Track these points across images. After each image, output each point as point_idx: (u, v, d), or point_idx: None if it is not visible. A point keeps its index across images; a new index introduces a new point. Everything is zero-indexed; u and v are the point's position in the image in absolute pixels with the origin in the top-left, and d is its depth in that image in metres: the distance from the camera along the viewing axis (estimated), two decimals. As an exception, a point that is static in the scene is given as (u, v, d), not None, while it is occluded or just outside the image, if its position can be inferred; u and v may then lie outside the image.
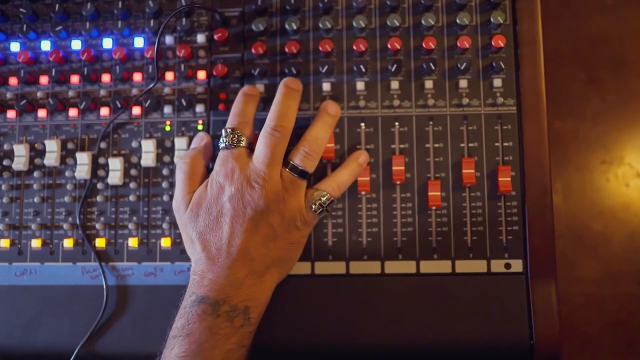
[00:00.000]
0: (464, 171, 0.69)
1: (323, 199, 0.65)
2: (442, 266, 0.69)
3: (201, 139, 0.69)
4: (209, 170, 0.69)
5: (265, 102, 0.72)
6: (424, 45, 0.70)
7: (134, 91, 0.73)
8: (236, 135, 0.65)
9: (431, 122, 0.71)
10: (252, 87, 0.69)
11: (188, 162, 0.67)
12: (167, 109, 0.72)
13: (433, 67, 0.70)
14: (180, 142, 0.71)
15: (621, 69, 0.86)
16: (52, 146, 0.72)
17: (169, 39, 0.73)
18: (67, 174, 0.72)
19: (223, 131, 0.65)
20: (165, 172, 0.71)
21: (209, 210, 0.64)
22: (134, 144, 0.72)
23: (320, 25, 0.71)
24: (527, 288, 0.68)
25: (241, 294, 0.62)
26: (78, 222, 0.71)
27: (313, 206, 0.65)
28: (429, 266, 0.69)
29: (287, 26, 0.71)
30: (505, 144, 0.70)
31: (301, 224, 0.65)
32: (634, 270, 0.83)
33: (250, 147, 0.66)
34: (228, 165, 0.64)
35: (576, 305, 0.83)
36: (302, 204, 0.65)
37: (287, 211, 0.63)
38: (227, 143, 0.65)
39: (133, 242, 0.71)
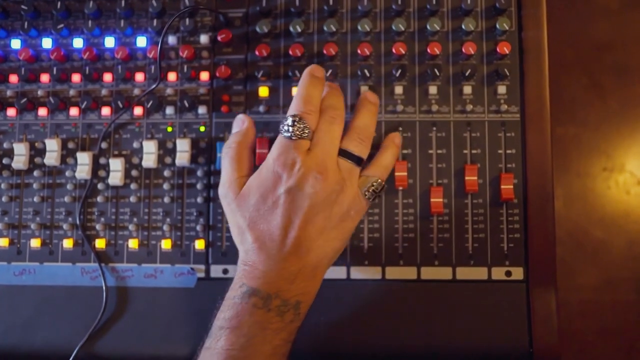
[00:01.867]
0: (466, 178, 0.69)
1: (375, 184, 0.64)
2: (442, 273, 0.69)
3: (242, 122, 0.67)
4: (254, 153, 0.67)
5: (271, 104, 0.71)
6: (428, 50, 0.70)
7: (136, 91, 0.72)
8: (302, 126, 0.62)
9: (434, 128, 0.70)
10: (318, 67, 0.66)
11: (234, 147, 0.65)
12: (169, 110, 0.72)
13: (437, 73, 0.70)
14: (182, 144, 0.70)
15: (624, 74, 0.86)
16: (52, 145, 0.71)
17: (172, 39, 0.73)
18: (67, 173, 0.72)
19: (289, 118, 0.62)
20: (166, 173, 0.71)
21: (264, 199, 0.61)
22: (135, 145, 0.72)
23: (325, 28, 0.71)
24: (527, 296, 0.68)
25: (294, 288, 0.60)
26: (78, 222, 0.71)
27: (366, 193, 0.64)
28: (430, 272, 0.69)
29: (291, 28, 0.71)
30: (509, 151, 0.70)
31: (354, 213, 0.63)
32: (633, 277, 0.83)
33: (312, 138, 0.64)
34: (289, 156, 0.61)
35: (575, 312, 0.83)
36: (357, 192, 0.63)
37: (344, 201, 0.62)
38: (292, 133, 0.62)
39: (133, 244, 0.71)
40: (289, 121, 0.62)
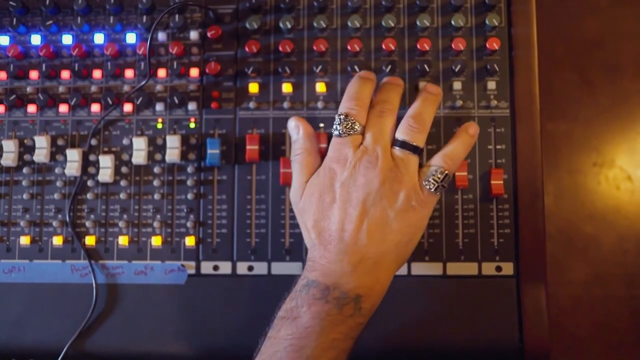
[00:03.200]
0: (456, 174, 0.69)
1: (437, 174, 0.62)
2: (433, 268, 0.69)
3: (298, 127, 0.66)
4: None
5: (261, 100, 0.71)
6: (418, 46, 0.70)
7: (126, 88, 0.72)
8: (350, 123, 0.63)
9: (425, 124, 0.70)
10: (367, 72, 0.67)
11: (302, 152, 0.65)
12: (159, 107, 0.72)
13: (427, 69, 0.70)
14: (171, 140, 0.70)
15: (614, 71, 0.87)
16: (41, 142, 0.71)
17: (161, 36, 0.72)
18: (57, 170, 0.72)
19: (337, 117, 0.63)
20: (156, 170, 0.71)
21: (322, 197, 0.62)
22: (125, 142, 0.72)
23: (315, 24, 0.71)
24: (518, 291, 0.68)
25: (353, 281, 0.60)
26: (68, 219, 0.71)
27: (427, 184, 0.62)
28: (420, 268, 0.69)
29: (281, 25, 0.71)
30: (499, 146, 0.70)
31: (417, 204, 0.62)
32: (623, 272, 0.83)
33: (364, 132, 0.64)
34: (342, 152, 0.62)
35: (565, 307, 0.83)
36: (416, 183, 0.62)
37: (401, 191, 0.61)
38: (340, 131, 0.63)
39: (123, 241, 0.70)
40: (336, 120, 0.64)
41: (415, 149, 0.63)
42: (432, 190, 0.62)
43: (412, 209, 0.62)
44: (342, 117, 0.63)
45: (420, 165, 0.64)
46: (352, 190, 0.61)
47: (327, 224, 0.62)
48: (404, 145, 0.63)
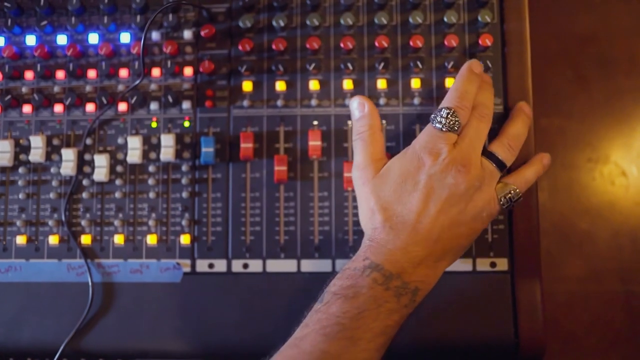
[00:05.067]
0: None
1: (513, 192, 0.64)
2: (427, 264, 0.69)
3: (363, 105, 0.66)
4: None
5: (254, 98, 0.72)
6: (411, 43, 0.70)
7: (120, 87, 0.73)
8: (454, 120, 0.62)
9: (418, 121, 0.71)
10: (478, 62, 0.67)
11: (368, 131, 0.65)
12: (154, 106, 0.72)
13: (420, 66, 0.70)
14: (166, 139, 0.71)
15: (608, 66, 0.87)
16: (37, 142, 0.71)
17: (155, 35, 0.73)
18: (52, 170, 0.72)
19: (443, 110, 0.62)
20: (151, 169, 0.71)
21: (404, 181, 0.62)
22: (120, 141, 0.72)
23: (308, 22, 0.71)
24: (512, 286, 0.68)
25: (416, 273, 0.60)
26: (63, 218, 0.71)
27: (502, 199, 0.63)
28: (415, 264, 0.69)
29: (274, 23, 0.71)
30: (492, 142, 0.70)
31: (486, 216, 0.63)
32: (618, 268, 0.83)
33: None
34: (437, 145, 0.62)
35: (561, 303, 0.83)
36: (494, 196, 0.63)
37: (480, 200, 0.62)
38: (443, 124, 0.62)
39: (119, 239, 0.71)
40: (443, 112, 0.62)
41: (502, 166, 0.64)
42: (505, 206, 0.64)
43: (481, 219, 0.63)
44: (450, 112, 0.62)
45: None
46: (437, 187, 0.61)
47: (401, 210, 0.61)
48: (496, 159, 0.64)
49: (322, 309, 0.59)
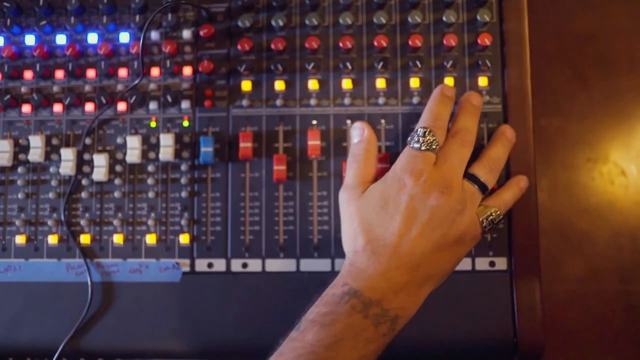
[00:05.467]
0: (449, 169, 0.69)
1: (494, 214, 0.63)
2: (427, 264, 0.69)
3: (363, 130, 0.66)
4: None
5: (254, 98, 0.72)
6: (410, 43, 0.70)
7: (119, 87, 0.73)
8: (431, 139, 0.62)
9: (417, 120, 0.70)
10: (450, 87, 0.68)
11: (363, 154, 0.65)
12: (153, 105, 0.72)
13: (419, 65, 0.70)
14: (165, 139, 0.71)
15: (607, 66, 0.87)
16: (36, 142, 0.71)
17: (154, 35, 0.73)
18: (51, 170, 0.72)
19: (420, 129, 0.63)
20: (150, 168, 0.71)
21: (385, 203, 0.61)
22: (119, 140, 0.72)
23: (307, 22, 0.71)
24: (512, 286, 0.68)
25: (397, 300, 0.59)
26: (63, 218, 0.71)
27: (484, 222, 0.63)
28: (414, 264, 0.69)
29: (273, 23, 0.71)
30: (491, 142, 0.70)
31: (469, 240, 0.63)
32: (618, 267, 0.83)
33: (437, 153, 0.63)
34: (417, 166, 0.61)
35: (560, 302, 0.83)
36: (475, 219, 0.62)
37: (462, 224, 0.61)
38: (421, 144, 0.62)
39: (118, 239, 0.71)
40: (420, 132, 0.63)
41: (484, 188, 0.64)
42: (487, 229, 0.63)
43: (464, 243, 0.62)
44: (426, 130, 0.62)
45: None
46: (419, 209, 0.60)
47: (383, 233, 0.60)
48: (478, 181, 0.63)
49: (298, 337, 0.58)
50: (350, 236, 0.62)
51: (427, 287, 0.62)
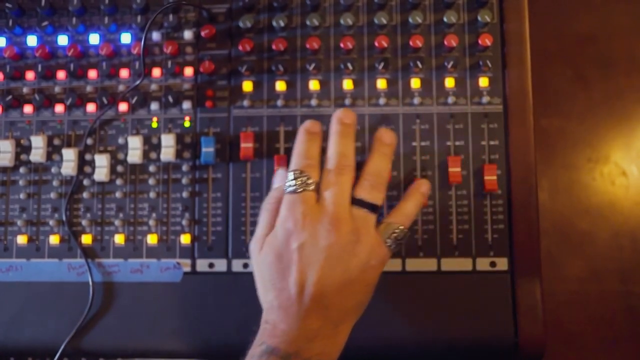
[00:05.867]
0: (450, 169, 0.69)
1: (397, 231, 0.62)
2: (427, 264, 0.69)
3: (282, 177, 0.64)
4: None
5: (255, 98, 0.72)
6: (411, 43, 0.70)
7: (121, 87, 0.73)
8: (304, 179, 0.61)
9: (418, 120, 0.71)
10: (314, 123, 0.65)
11: (272, 203, 0.63)
12: (154, 106, 0.72)
13: (420, 66, 0.70)
14: (166, 139, 0.71)
15: (608, 67, 0.87)
16: (38, 142, 0.72)
17: (155, 35, 0.73)
18: (53, 170, 0.72)
19: (290, 174, 0.62)
20: (152, 169, 0.71)
21: (279, 258, 0.60)
22: (121, 141, 0.72)
23: (308, 22, 0.71)
24: (512, 286, 0.68)
25: (314, 347, 0.58)
26: (64, 218, 0.71)
27: (388, 241, 0.62)
28: (415, 264, 0.69)
29: (274, 23, 0.71)
30: (492, 142, 0.70)
31: (376, 263, 0.61)
32: (618, 268, 0.83)
33: (318, 190, 0.62)
34: (297, 210, 0.60)
35: (561, 303, 0.83)
36: (378, 241, 0.61)
37: (362, 252, 0.60)
38: (295, 187, 0.61)
39: (119, 239, 0.71)
40: (291, 176, 0.62)
41: (374, 208, 0.62)
42: (393, 247, 0.62)
43: (371, 268, 0.61)
44: (296, 172, 0.61)
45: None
46: (311, 253, 0.59)
47: (285, 286, 0.59)
48: (365, 204, 0.61)
49: None
50: (260, 293, 0.62)
51: (345, 324, 0.60)
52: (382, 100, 0.71)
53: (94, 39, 0.73)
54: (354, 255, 0.59)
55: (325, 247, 0.59)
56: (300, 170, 0.62)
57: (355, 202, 0.61)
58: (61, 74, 0.73)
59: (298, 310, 0.58)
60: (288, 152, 0.71)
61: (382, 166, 0.64)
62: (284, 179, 0.64)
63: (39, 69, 0.73)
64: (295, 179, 0.61)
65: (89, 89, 0.73)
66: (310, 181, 0.61)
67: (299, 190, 0.61)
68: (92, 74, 0.73)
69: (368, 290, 0.62)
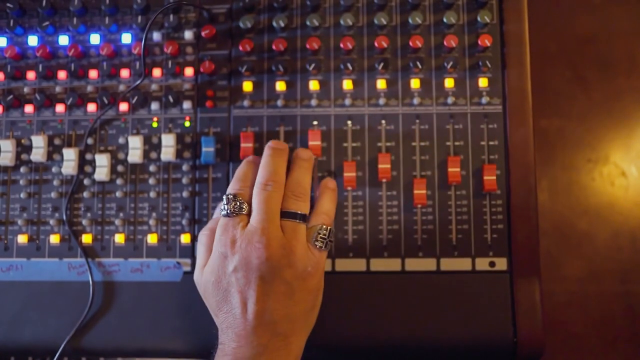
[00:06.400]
0: (449, 169, 0.69)
1: (322, 231, 0.63)
2: (427, 264, 0.69)
3: (221, 210, 0.67)
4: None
5: (255, 98, 0.72)
6: (410, 43, 0.70)
7: (121, 87, 0.73)
8: (238, 203, 0.63)
9: (417, 121, 0.71)
10: (254, 157, 0.68)
11: (207, 234, 0.65)
12: (154, 106, 0.72)
13: (420, 66, 0.70)
14: (167, 139, 0.71)
15: (607, 68, 0.87)
16: (38, 142, 0.72)
17: (156, 36, 0.73)
18: (53, 169, 0.72)
19: (224, 197, 0.63)
20: (152, 168, 0.71)
21: (218, 283, 0.62)
22: (121, 140, 0.72)
23: (308, 22, 0.71)
24: (512, 286, 0.69)
25: None
26: (64, 218, 0.71)
27: (317, 243, 0.63)
28: (414, 264, 0.69)
29: (274, 23, 0.72)
30: (491, 142, 0.70)
31: (312, 269, 0.62)
32: (617, 268, 0.84)
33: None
34: (229, 234, 0.62)
35: (560, 303, 0.83)
36: (307, 248, 0.62)
37: (298, 261, 0.61)
38: (228, 211, 0.63)
39: (119, 238, 0.71)
40: (224, 200, 0.63)
41: (303, 217, 0.63)
42: (323, 247, 0.63)
43: (310, 274, 0.62)
44: (230, 196, 0.63)
45: None
46: (247, 274, 0.60)
47: (230, 308, 0.61)
48: (291, 215, 0.63)
49: None
50: (214, 316, 0.64)
51: (296, 335, 0.62)
52: (381, 101, 0.71)
53: (94, 39, 0.73)
54: (289, 267, 0.61)
55: (258, 265, 0.60)
56: (234, 194, 0.63)
57: (284, 214, 0.63)
58: (62, 74, 0.73)
59: (245, 329, 0.60)
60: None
61: (303, 177, 0.66)
62: (219, 212, 0.66)
63: (40, 68, 0.73)
64: (227, 202, 0.63)
65: (89, 88, 0.73)
66: (244, 205, 0.63)
67: (232, 215, 0.62)
68: (93, 73, 0.73)
69: (312, 297, 0.63)
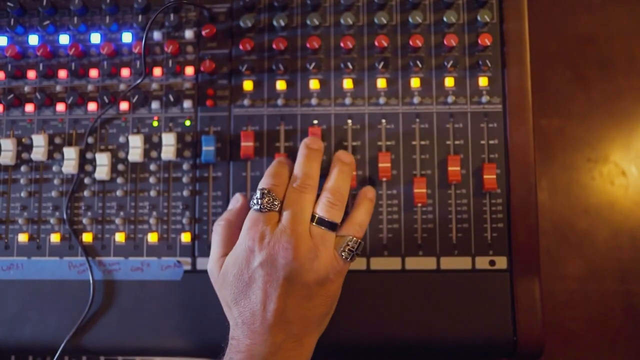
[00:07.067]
0: (449, 168, 0.69)
1: (351, 243, 0.63)
2: (427, 263, 0.69)
3: (237, 201, 0.68)
4: None
5: (255, 98, 0.72)
6: (411, 43, 0.71)
7: (122, 86, 0.73)
8: (271, 198, 0.63)
9: (418, 120, 0.71)
10: (284, 156, 0.69)
11: (223, 225, 0.65)
12: (155, 105, 0.73)
13: (420, 65, 0.71)
14: (167, 138, 0.71)
15: (607, 67, 0.87)
16: (39, 141, 0.72)
17: (157, 35, 0.73)
18: (54, 168, 0.72)
19: (258, 191, 0.63)
20: (152, 167, 0.71)
21: (240, 276, 0.61)
22: (122, 139, 0.72)
23: (308, 22, 0.72)
24: (511, 285, 0.69)
25: (278, 359, 0.60)
26: (65, 216, 0.71)
27: (343, 254, 0.63)
28: (414, 263, 0.70)
29: (275, 23, 0.72)
30: (491, 141, 0.70)
31: (334, 276, 0.63)
32: (617, 267, 0.84)
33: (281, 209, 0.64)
34: (258, 229, 0.61)
35: (560, 302, 0.83)
36: (333, 257, 0.62)
37: (321, 268, 0.61)
38: (261, 206, 0.62)
39: (120, 237, 0.71)
40: (258, 194, 0.63)
41: (333, 226, 0.63)
42: (349, 259, 0.63)
43: (330, 281, 0.62)
44: (264, 191, 0.63)
45: None
46: (271, 271, 0.60)
47: (247, 303, 0.61)
48: (323, 222, 0.63)
49: None
50: (226, 310, 0.64)
51: (309, 337, 0.62)
52: (382, 100, 0.71)
53: (95, 38, 0.74)
54: (312, 272, 0.61)
55: (283, 265, 0.60)
56: (268, 189, 0.63)
57: (315, 219, 0.63)
58: (62, 73, 0.73)
59: (261, 326, 0.60)
60: (288, 150, 0.71)
61: (342, 184, 0.65)
62: (236, 204, 0.67)
63: (41, 67, 0.73)
64: (261, 197, 0.63)
65: (90, 87, 0.73)
66: (276, 202, 0.63)
67: (264, 210, 0.62)
68: (93, 73, 0.73)
69: (330, 302, 0.64)
